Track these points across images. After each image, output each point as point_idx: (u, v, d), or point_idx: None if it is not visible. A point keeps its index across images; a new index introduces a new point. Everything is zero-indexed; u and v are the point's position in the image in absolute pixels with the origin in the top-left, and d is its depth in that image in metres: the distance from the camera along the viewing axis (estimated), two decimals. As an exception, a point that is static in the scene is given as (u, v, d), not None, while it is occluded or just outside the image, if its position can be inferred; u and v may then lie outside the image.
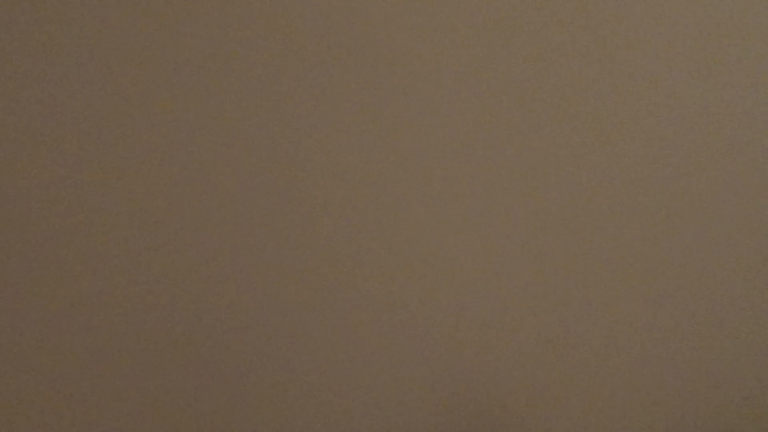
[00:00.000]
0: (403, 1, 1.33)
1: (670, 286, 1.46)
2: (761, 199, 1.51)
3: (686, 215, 1.46)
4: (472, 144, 1.37)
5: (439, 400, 1.35)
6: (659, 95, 1.44)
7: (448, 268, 1.34)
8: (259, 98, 1.27)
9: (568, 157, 1.39)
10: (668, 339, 1.46)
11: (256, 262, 1.26)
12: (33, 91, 1.19)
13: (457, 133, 1.35)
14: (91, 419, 1.25)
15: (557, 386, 1.38)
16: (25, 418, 1.22)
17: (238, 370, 1.28)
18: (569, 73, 1.39)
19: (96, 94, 1.21)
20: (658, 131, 1.45)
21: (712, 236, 1.46)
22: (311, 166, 1.28)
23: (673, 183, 1.45)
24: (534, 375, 1.37)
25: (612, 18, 1.41)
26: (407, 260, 1.32)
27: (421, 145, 1.34)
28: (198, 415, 1.29)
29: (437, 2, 1.35)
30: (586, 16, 1.40)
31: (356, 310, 1.30)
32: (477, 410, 1.37)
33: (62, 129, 1.20)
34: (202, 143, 1.25)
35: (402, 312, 1.32)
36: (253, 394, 1.29)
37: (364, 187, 1.30)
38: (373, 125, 1.31)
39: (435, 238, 1.33)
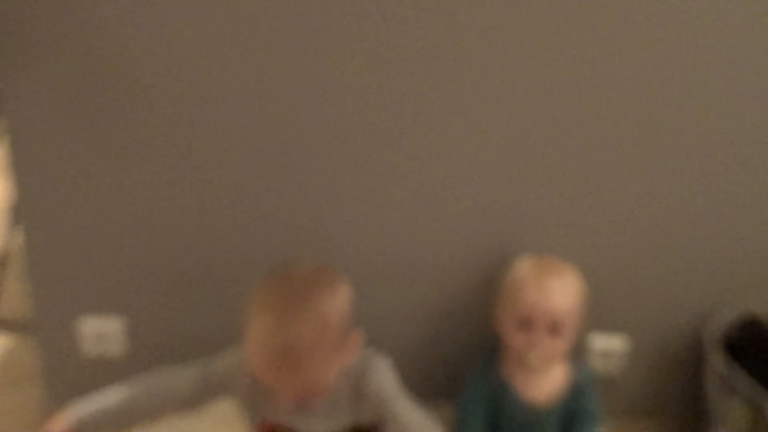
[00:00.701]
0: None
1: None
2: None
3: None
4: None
5: (467, 226, 1.69)
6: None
7: (475, 125, 1.59)
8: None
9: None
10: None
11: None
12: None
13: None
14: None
15: (557, 215, 1.67)
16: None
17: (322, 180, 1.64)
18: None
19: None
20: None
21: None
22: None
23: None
24: (539, 205, 1.67)
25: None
26: (448, 125, 1.60)
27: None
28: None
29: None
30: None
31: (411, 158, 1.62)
32: (494, 231, 1.70)
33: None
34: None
35: (442, 160, 1.62)
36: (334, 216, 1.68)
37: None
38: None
39: (465, 108, 1.58)
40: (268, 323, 1.24)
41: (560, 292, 1.51)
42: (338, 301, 1.29)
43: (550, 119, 1.59)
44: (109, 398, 1.38)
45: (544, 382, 1.58)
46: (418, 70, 1.55)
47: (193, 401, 1.40)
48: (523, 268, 1.57)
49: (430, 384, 1.75)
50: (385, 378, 1.38)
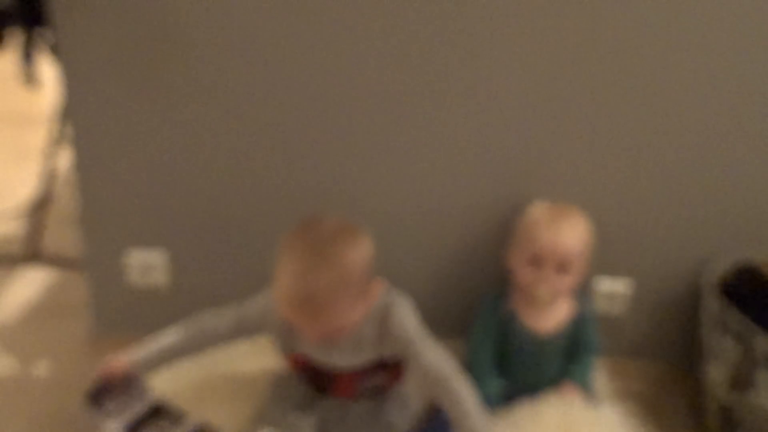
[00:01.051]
0: None
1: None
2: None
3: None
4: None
5: (483, 175, 1.77)
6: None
7: (489, 76, 1.66)
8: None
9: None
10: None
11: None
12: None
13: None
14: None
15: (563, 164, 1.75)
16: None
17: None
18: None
19: None
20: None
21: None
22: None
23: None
24: (551, 155, 1.74)
25: None
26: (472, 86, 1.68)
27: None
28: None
29: None
30: None
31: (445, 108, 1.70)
32: (508, 179, 1.78)
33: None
34: None
35: (459, 112, 1.70)
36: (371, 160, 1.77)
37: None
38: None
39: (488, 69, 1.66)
40: (292, 273, 1.31)
41: (569, 233, 1.62)
42: (359, 253, 1.35)
43: (561, 71, 1.65)
44: (159, 341, 1.55)
45: (550, 315, 1.69)
46: (436, 22, 1.61)
47: (232, 339, 1.55)
48: (536, 211, 1.68)
49: (446, 322, 1.83)
50: (407, 319, 1.45)
